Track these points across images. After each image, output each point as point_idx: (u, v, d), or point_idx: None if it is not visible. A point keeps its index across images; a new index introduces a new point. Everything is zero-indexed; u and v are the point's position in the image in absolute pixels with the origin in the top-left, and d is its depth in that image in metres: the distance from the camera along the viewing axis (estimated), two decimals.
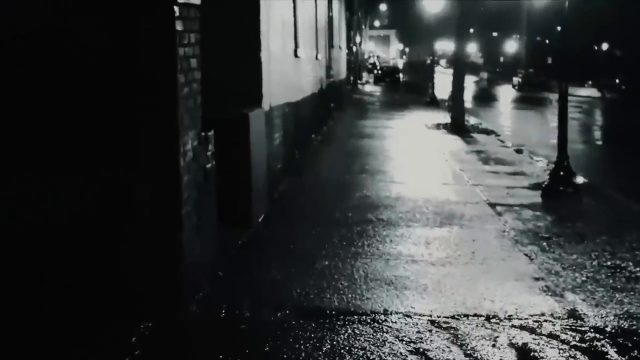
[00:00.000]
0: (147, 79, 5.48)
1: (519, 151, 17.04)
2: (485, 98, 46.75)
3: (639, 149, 20.38)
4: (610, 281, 6.77)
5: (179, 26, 5.52)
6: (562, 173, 10.96)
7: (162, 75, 5.46)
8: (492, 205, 10.22)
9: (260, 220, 9.07)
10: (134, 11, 5.44)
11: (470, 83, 56.23)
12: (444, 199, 10.65)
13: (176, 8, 5.47)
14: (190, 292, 5.91)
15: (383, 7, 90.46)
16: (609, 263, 7.36)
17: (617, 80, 51.18)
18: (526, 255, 7.62)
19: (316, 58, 18.07)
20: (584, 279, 6.83)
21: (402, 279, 6.67)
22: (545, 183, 11.19)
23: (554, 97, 46.74)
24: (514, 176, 13.03)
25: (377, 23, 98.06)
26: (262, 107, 9.74)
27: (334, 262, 7.23)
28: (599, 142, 23.95)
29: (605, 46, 57.09)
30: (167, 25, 5.43)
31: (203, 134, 6.24)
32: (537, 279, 6.78)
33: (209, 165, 6.41)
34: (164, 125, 5.48)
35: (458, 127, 21.62)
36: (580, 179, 11.60)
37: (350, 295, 6.20)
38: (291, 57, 12.67)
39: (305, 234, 8.42)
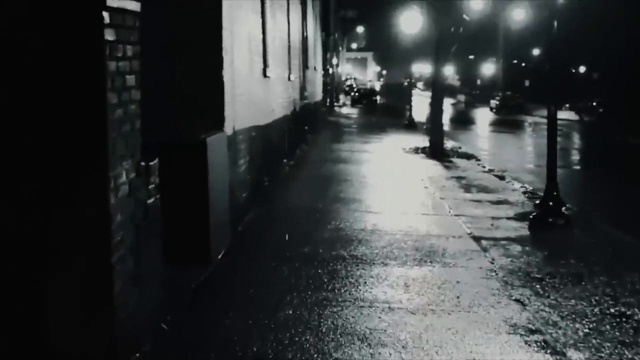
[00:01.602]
0: (72, 99, 4.54)
1: (501, 177, 16.22)
2: (463, 121, 46.17)
3: (621, 173, 19.73)
4: (617, 334, 5.89)
5: (109, 36, 4.59)
6: (551, 203, 10.10)
7: (88, 94, 4.52)
8: (477, 239, 9.33)
9: (220, 257, 8.12)
10: (57, 17, 4.51)
11: (447, 105, 55.67)
12: (424, 231, 9.74)
13: (106, 14, 4.54)
14: (124, 354, 4.94)
15: (360, 29, 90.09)
16: (612, 310, 6.48)
17: (595, 103, 50.86)
18: (518, 300, 6.71)
19: (289, 79, 17.19)
20: (587, 330, 5.94)
21: (377, 333, 5.73)
22: (534, 214, 10.33)
23: (532, 119, 46.58)
24: (498, 205, 12.17)
25: (354, 45, 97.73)
26: (225, 131, 8.82)
27: (300, 310, 6.28)
28: (581, 166, 23.23)
29: (582, 69, 56.93)
30: (94, 34, 4.50)
31: (143, 163, 5.29)
32: (533, 331, 5.88)
33: (151, 200, 5.46)
34: (90, 155, 4.54)
35: (437, 151, 20.79)
36: (569, 209, 10.75)
37: (315, 355, 5.24)
38: (259, 76, 11.76)
39: (270, 274, 7.47)
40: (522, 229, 10.06)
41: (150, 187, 5.45)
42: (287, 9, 16.92)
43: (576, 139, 35.80)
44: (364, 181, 14.69)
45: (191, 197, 7.57)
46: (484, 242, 9.15)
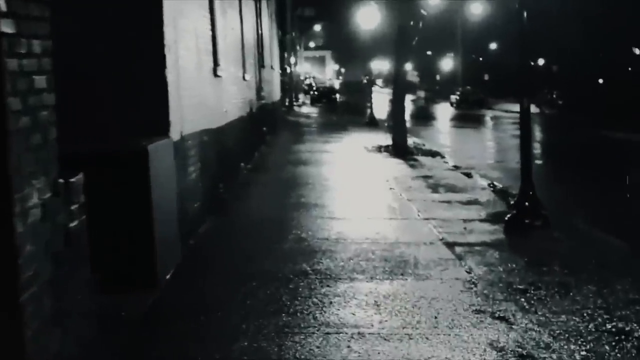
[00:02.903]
0: None
1: (468, 175, 15.55)
2: (424, 117, 45.62)
3: (591, 167, 19.24)
4: (619, 355, 5.18)
5: (7, 27, 3.74)
6: (527, 204, 9.43)
7: None
8: (450, 246, 8.61)
9: (168, 277, 7.28)
10: None
11: (408, 102, 55.28)
12: (393, 238, 8.99)
13: (1, 1, 3.69)
14: None
15: (318, 27, 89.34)
16: (608, 326, 5.77)
17: (555, 96, 50.80)
18: (503, 318, 5.98)
19: (244, 78, 16.34)
20: (584, 353, 5.22)
21: None
22: (509, 215, 9.63)
23: (492, 114, 46.30)
24: (469, 206, 11.47)
25: (312, 44, 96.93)
26: (170, 137, 7.98)
27: (258, 341, 5.47)
28: (550, 161, 22.69)
29: (541, 62, 56.87)
30: None
31: (62, 180, 4.43)
32: (524, 357, 5.15)
33: (74, 224, 4.60)
34: None
35: (401, 150, 20.07)
36: (545, 208, 10.06)
37: None
38: (210, 76, 10.91)
39: (224, 297, 6.65)
40: (497, 232, 9.37)
41: (72, 207, 4.59)
42: (240, 5, 16.07)
43: (539, 132, 35.45)
44: (326, 184, 13.91)
45: (132, 213, 6.72)
46: (458, 249, 8.43)
